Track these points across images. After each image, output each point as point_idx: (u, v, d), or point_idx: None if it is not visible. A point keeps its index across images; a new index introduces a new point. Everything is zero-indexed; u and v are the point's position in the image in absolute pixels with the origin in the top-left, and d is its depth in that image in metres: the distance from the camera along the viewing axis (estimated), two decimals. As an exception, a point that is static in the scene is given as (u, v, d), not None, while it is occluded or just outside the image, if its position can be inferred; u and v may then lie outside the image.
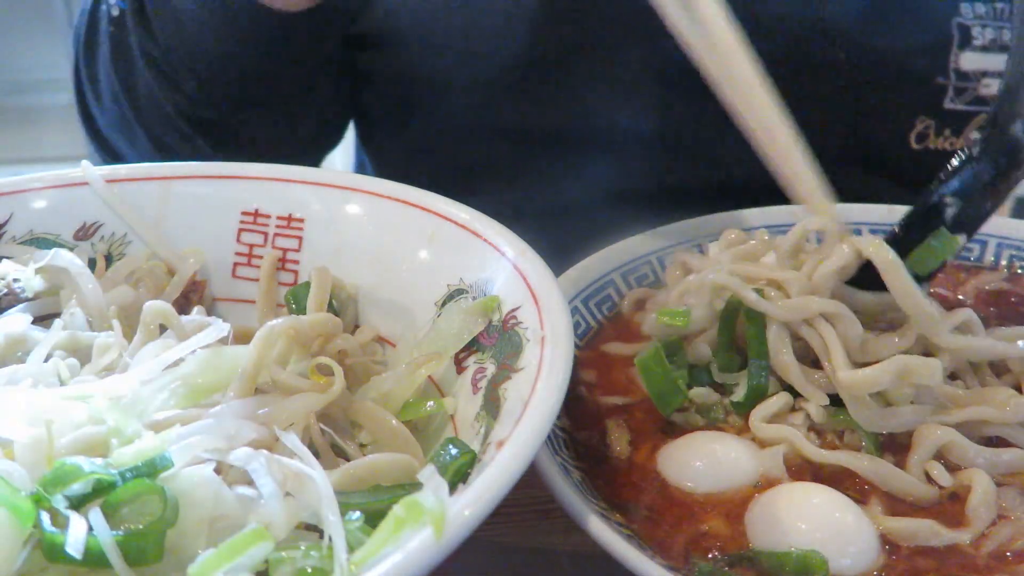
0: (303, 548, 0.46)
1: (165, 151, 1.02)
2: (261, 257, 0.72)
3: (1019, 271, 0.84)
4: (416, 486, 0.48)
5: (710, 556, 0.55)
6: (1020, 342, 0.65)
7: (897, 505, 0.58)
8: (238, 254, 0.73)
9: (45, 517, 0.43)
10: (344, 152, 1.35)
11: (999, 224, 0.86)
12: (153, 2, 0.94)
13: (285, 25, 0.92)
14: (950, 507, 0.58)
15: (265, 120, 1.05)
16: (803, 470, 0.61)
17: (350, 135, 1.25)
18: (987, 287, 0.80)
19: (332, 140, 1.20)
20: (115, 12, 0.95)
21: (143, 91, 0.99)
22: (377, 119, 1.17)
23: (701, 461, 0.61)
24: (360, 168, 1.26)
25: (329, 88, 1.09)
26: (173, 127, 1.01)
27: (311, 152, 1.16)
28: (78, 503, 0.44)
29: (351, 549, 0.45)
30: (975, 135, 1.04)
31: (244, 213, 0.73)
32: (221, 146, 1.02)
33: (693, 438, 0.64)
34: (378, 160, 1.20)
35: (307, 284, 0.69)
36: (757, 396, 0.65)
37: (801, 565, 0.52)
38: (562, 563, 0.60)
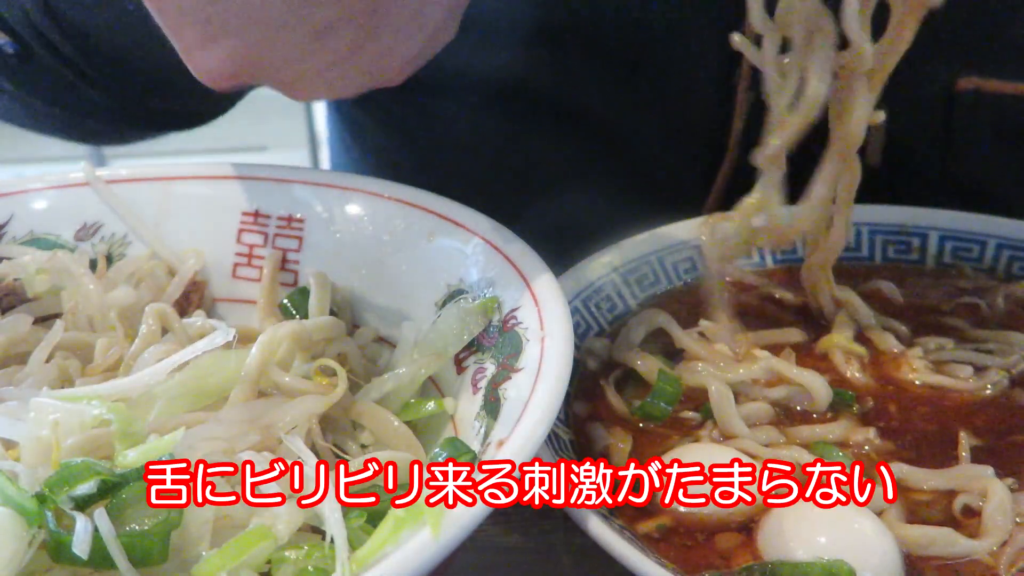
0: (305, 548, 0.46)
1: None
2: (261, 257, 0.72)
3: (1016, 271, 0.84)
4: (416, 486, 0.49)
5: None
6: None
7: (913, 515, 0.58)
8: (238, 254, 0.73)
9: (51, 518, 0.44)
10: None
11: (998, 224, 0.86)
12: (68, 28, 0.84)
13: None
14: (965, 519, 0.58)
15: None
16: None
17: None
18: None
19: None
20: (9, 50, 0.85)
21: (57, 115, 0.94)
22: (367, 126, 1.16)
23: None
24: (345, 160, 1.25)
25: None
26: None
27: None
28: (84, 504, 0.45)
29: (352, 549, 0.45)
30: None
31: (244, 213, 0.73)
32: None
33: (689, 450, 0.62)
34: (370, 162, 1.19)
35: (302, 289, 0.69)
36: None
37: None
38: (562, 563, 0.61)
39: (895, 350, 0.74)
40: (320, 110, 2.51)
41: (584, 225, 0.97)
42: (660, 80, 0.94)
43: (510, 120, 1.01)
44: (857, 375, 0.71)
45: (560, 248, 0.72)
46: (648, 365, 0.70)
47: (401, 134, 1.10)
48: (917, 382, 0.71)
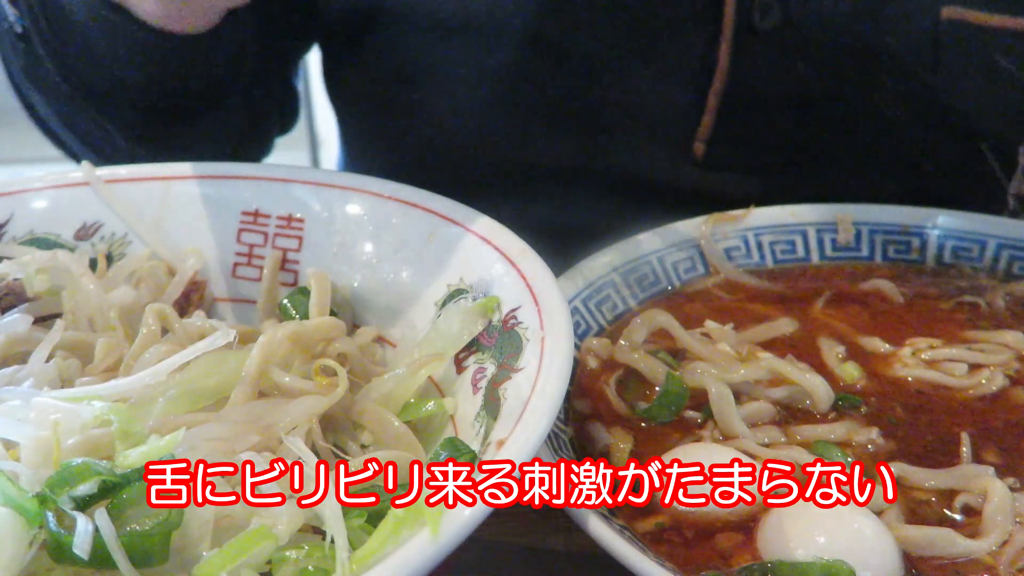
0: (306, 548, 0.46)
1: (104, 156, 0.98)
2: (261, 257, 0.73)
3: (1016, 271, 0.84)
4: (416, 486, 0.49)
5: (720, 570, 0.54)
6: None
7: (913, 515, 0.58)
8: (238, 254, 0.73)
9: (51, 518, 0.44)
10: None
11: (999, 224, 0.86)
12: (53, 22, 0.87)
13: (186, 44, 0.84)
14: (965, 519, 0.58)
15: (189, 132, 0.99)
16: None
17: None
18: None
19: (270, 131, 1.14)
20: (18, 30, 0.89)
21: (65, 100, 0.94)
22: (363, 117, 1.15)
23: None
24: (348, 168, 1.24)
25: (238, 96, 1.02)
26: (103, 136, 0.97)
27: (252, 145, 1.11)
28: (84, 504, 0.45)
29: (352, 549, 0.45)
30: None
31: (244, 213, 0.73)
32: (156, 152, 0.92)
33: (689, 450, 0.62)
34: (365, 164, 1.18)
35: (303, 289, 0.69)
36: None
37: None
38: (562, 563, 0.61)
39: (882, 350, 0.74)
40: (321, 110, 2.50)
41: (581, 172, 0.96)
42: (648, 10, 0.94)
43: (498, 61, 1.00)
44: (851, 371, 0.72)
45: (561, 245, 0.72)
46: (651, 366, 0.70)
47: (392, 84, 1.08)
48: (910, 378, 0.71)
